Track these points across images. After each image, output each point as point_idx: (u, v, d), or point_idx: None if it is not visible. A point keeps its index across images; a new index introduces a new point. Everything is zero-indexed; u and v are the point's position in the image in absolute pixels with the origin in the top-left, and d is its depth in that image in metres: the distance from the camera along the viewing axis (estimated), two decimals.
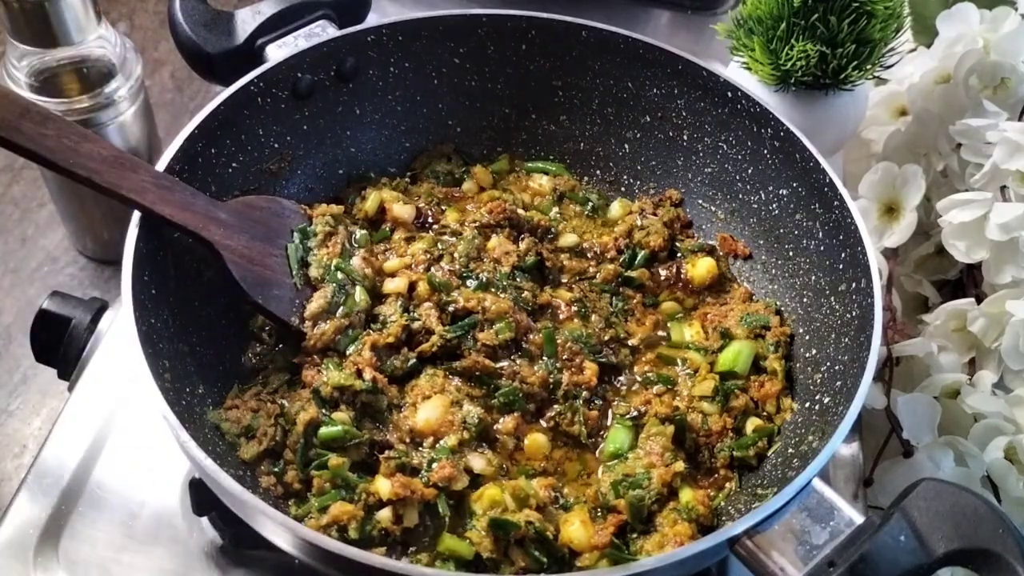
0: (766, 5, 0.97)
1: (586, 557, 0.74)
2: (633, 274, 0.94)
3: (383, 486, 0.74)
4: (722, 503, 0.79)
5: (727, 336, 0.88)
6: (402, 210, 0.93)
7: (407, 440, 0.79)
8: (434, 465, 0.76)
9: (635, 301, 0.93)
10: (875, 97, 1.15)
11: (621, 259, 0.95)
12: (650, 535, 0.76)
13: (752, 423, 0.83)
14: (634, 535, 0.77)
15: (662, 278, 0.96)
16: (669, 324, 0.92)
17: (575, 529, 0.75)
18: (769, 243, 0.94)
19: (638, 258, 0.95)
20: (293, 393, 0.81)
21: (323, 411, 0.78)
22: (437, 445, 0.78)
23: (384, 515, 0.73)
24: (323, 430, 0.77)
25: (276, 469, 0.77)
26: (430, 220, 0.95)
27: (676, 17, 1.27)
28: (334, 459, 0.75)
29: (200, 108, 0.85)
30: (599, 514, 0.78)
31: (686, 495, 0.78)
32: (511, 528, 0.73)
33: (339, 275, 0.85)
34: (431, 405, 0.80)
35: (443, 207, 0.97)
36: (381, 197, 0.94)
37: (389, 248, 0.91)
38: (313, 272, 0.85)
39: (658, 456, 0.79)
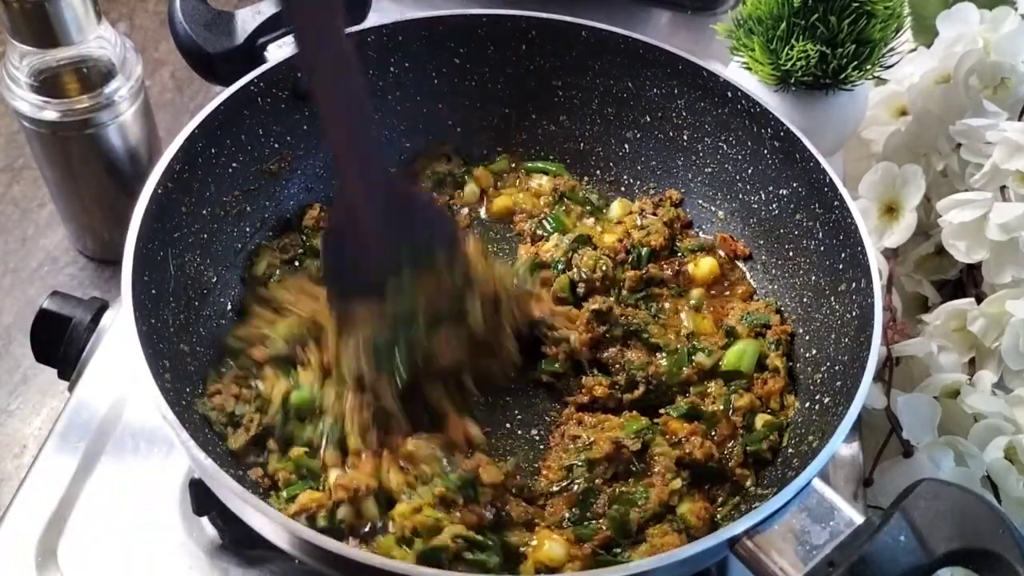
0: (766, 5, 0.97)
1: (568, 567, 0.73)
2: (653, 272, 0.93)
3: (332, 476, 0.74)
4: (742, 508, 0.78)
5: (732, 335, 0.88)
6: None
7: None
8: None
9: (664, 297, 0.92)
10: (875, 97, 1.15)
11: (630, 259, 0.95)
12: (638, 546, 0.74)
13: (761, 419, 0.82)
14: (618, 549, 0.75)
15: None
16: (683, 314, 0.91)
17: (547, 549, 0.73)
18: (769, 243, 0.94)
19: (643, 255, 0.95)
20: (264, 372, 0.81)
21: (289, 377, 0.78)
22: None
23: (345, 512, 0.72)
24: (293, 395, 0.77)
25: (261, 460, 0.77)
26: None
27: (676, 17, 1.27)
28: (295, 450, 0.76)
29: (200, 108, 0.85)
30: (564, 528, 0.76)
31: (683, 508, 0.77)
32: (441, 553, 0.70)
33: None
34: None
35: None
36: None
37: None
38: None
39: (659, 476, 0.77)
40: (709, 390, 0.84)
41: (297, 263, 0.92)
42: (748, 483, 0.79)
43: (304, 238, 0.93)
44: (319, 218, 0.94)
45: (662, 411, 0.84)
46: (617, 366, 0.86)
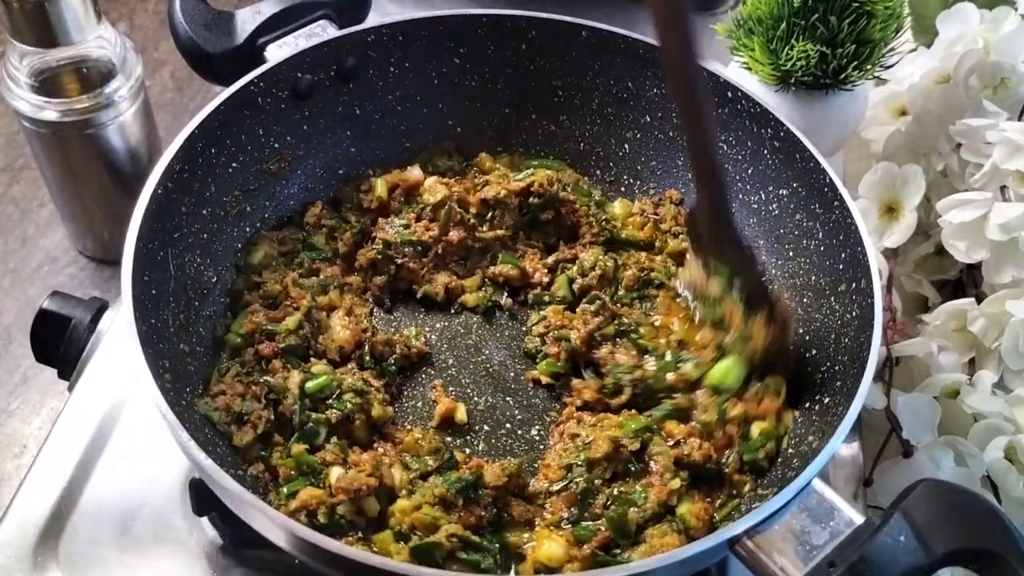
0: (766, 5, 0.97)
1: (567, 567, 0.73)
2: (652, 274, 0.93)
3: (333, 476, 0.75)
4: (741, 508, 0.78)
5: (720, 350, 0.85)
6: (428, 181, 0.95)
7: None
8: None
9: (659, 299, 0.92)
10: (875, 97, 1.15)
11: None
12: (637, 546, 0.74)
13: (758, 427, 0.81)
14: (617, 550, 0.75)
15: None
16: (676, 321, 0.90)
17: (547, 549, 0.73)
18: (769, 243, 0.94)
19: None
20: (270, 368, 0.82)
21: (302, 368, 0.81)
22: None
23: (345, 509, 0.73)
24: (309, 384, 0.79)
25: (263, 453, 0.77)
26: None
27: None
28: (296, 447, 0.76)
29: (200, 108, 0.85)
30: (564, 528, 0.76)
31: (683, 508, 0.76)
32: (434, 550, 0.71)
33: None
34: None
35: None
36: (388, 180, 0.95)
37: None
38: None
39: (658, 476, 0.77)
40: (699, 400, 0.83)
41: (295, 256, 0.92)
42: (747, 487, 0.79)
43: (305, 233, 0.94)
44: (320, 215, 0.94)
45: (646, 413, 0.83)
46: (607, 367, 0.86)
